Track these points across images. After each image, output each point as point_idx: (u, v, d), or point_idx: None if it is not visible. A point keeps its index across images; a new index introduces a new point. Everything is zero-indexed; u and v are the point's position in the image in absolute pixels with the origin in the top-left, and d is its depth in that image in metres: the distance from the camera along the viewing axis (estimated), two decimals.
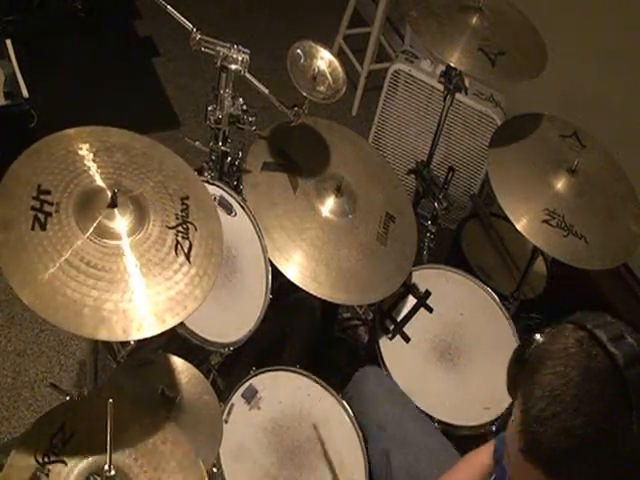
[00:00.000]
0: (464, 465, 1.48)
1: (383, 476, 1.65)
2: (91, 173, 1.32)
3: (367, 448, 1.68)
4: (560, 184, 1.84)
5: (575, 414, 0.91)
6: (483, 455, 1.43)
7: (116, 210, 1.27)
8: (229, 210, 1.78)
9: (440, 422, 1.78)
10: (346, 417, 1.72)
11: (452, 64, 1.85)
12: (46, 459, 1.20)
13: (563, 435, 0.91)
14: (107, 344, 1.81)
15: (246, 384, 1.68)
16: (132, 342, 1.68)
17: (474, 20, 1.91)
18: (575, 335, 0.96)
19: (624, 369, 0.91)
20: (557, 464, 0.93)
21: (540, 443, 0.93)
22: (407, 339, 1.92)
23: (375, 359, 1.88)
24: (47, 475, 1.18)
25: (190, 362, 1.58)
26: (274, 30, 3.47)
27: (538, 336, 1.00)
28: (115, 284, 1.21)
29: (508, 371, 1.04)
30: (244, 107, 1.82)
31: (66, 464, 1.21)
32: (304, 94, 1.73)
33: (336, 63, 1.80)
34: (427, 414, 1.78)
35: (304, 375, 1.75)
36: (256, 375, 1.71)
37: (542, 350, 0.98)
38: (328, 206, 1.87)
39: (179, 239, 1.31)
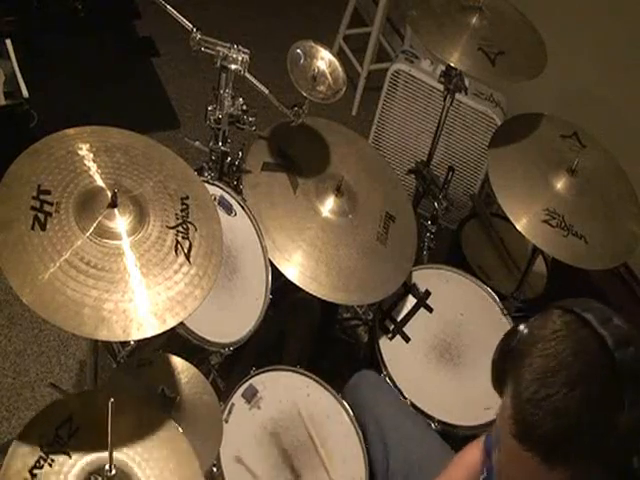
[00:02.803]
0: (456, 464, 1.48)
1: (382, 475, 1.65)
2: (91, 173, 1.32)
3: (367, 448, 1.68)
4: (560, 184, 1.84)
5: (568, 394, 0.91)
6: (474, 449, 1.43)
7: (116, 210, 1.27)
8: (229, 210, 1.78)
9: (440, 422, 1.78)
10: (346, 417, 1.72)
11: (452, 64, 1.85)
12: (50, 449, 1.20)
13: (557, 416, 0.91)
14: (107, 344, 1.81)
15: (246, 384, 1.68)
16: (132, 342, 1.69)
17: (474, 20, 1.91)
18: (563, 319, 0.97)
19: (614, 350, 0.92)
20: (553, 447, 0.93)
21: (535, 426, 0.93)
22: (407, 339, 1.92)
23: (375, 359, 1.88)
24: (50, 465, 1.19)
25: (190, 362, 1.58)
26: (274, 30, 3.47)
27: (522, 326, 1.01)
28: (115, 284, 1.21)
29: (494, 363, 1.03)
30: (244, 107, 1.82)
31: (70, 457, 1.21)
32: (304, 94, 1.73)
33: (336, 63, 1.80)
34: (427, 414, 1.78)
35: (304, 375, 1.75)
36: (256, 375, 1.70)
37: (530, 335, 0.98)
38: (328, 206, 1.87)
39: (179, 239, 1.31)
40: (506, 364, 1.00)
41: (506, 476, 1.07)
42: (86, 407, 1.28)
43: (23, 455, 1.19)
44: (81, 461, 1.21)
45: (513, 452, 0.98)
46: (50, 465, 1.19)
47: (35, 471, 1.17)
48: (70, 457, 1.21)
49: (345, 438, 1.69)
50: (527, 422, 0.94)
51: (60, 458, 1.20)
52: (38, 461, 1.18)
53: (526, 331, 0.99)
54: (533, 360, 0.95)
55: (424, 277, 2.02)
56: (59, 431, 1.22)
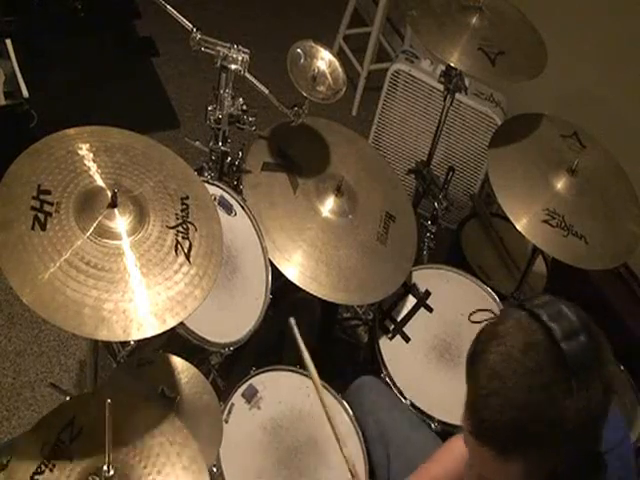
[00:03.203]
0: (445, 450, 1.49)
1: (384, 478, 1.65)
2: (91, 173, 1.32)
3: (369, 450, 1.68)
4: (560, 184, 1.84)
5: (514, 388, 0.94)
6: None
7: (116, 210, 1.27)
8: (229, 210, 1.78)
9: (440, 422, 1.78)
10: (346, 417, 1.72)
11: (452, 64, 1.85)
12: (52, 453, 1.20)
13: (505, 409, 0.94)
14: (107, 344, 1.81)
15: (246, 384, 1.68)
16: (132, 342, 1.69)
17: (474, 20, 1.91)
18: (516, 315, 1.00)
19: (562, 341, 0.94)
20: (504, 439, 0.95)
21: (485, 421, 0.96)
22: (407, 339, 1.92)
23: (375, 359, 1.88)
24: (51, 470, 1.19)
25: (190, 362, 1.58)
26: (274, 30, 3.47)
27: (487, 325, 1.04)
28: (115, 284, 1.21)
29: (466, 363, 1.05)
30: (244, 107, 1.82)
31: (71, 460, 1.21)
32: (304, 94, 1.73)
33: (336, 63, 1.81)
34: (427, 414, 1.78)
35: (304, 375, 1.75)
36: (256, 375, 1.70)
37: (487, 333, 1.01)
38: (328, 206, 1.87)
39: (179, 239, 1.31)
40: (468, 363, 1.03)
41: (475, 474, 1.08)
42: (87, 409, 1.28)
43: (24, 462, 1.19)
44: (81, 463, 1.21)
45: (473, 448, 1.01)
46: (51, 470, 1.19)
47: (36, 477, 1.18)
48: (71, 460, 1.21)
49: (345, 438, 1.69)
50: (478, 417, 0.97)
51: (61, 462, 1.20)
52: (39, 467, 1.19)
53: (485, 330, 1.02)
54: (486, 357, 0.98)
55: (424, 277, 2.02)
56: (61, 435, 1.23)
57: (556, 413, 0.93)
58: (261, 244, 1.78)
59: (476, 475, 1.08)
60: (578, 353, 0.94)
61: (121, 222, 1.27)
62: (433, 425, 1.78)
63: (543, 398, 0.93)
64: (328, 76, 1.79)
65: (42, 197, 1.24)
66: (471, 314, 1.97)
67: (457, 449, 1.44)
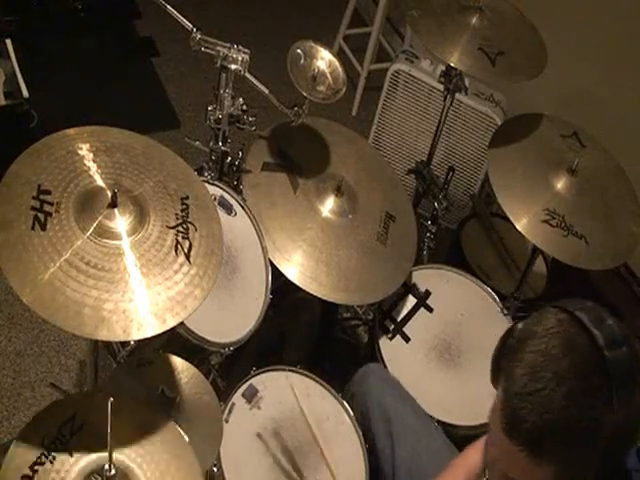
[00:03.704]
0: (456, 465, 1.48)
1: (387, 470, 1.65)
2: (91, 173, 1.32)
3: (368, 447, 1.68)
4: (560, 184, 1.84)
5: (555, 389, 0.92)
6: (473, 450, 1.43)
7: (116, 210, 1.27)
8: (229, 210, 1.78)
9: (440, 422, 1.78)
10: (346, 417, 1.72)
11: (452, 64, 1.85)
12: (52, 446, 1.20)
13: (544, 410, 0.92)
14: (107, 344, 1.81)
15: (246, 384, 1.68)
16: (132, 342, 1.69)
17: (474, 20, 1.91)
18: (557, 317, 0.98)
19: (605, 349, 0.92)
20: (539, 441, 0.94)
21: (522, 420, 0.94)
22: (407, 339, 1.92)
23: (375, 359, 1.88)
24: (51, 462, 1.19)
25: (190, 362, 1.58)
26: (274, 30, 3.47)
27: (520, 323, 1.02)
28: (115, 284, 1.21)
29: (492, 359, 1.04)
30: (244, 107, 1.82)
31: (71, 455, 1.21)
32: (304, 94, 1.73)
33: (336, 63, 1.80)
34: (427, 414, 1.78)
35: (304, 375, 1.75)
36: (256, 375, 1.71)
37: (525, 331, 0.99)
38: (328, 206, 1.87)
39: (179, 239, 1.31)
40: (501, 360, 1.01)
41: (499, 471, 1.07)
42: (89, 406, 1.28)
43: (25, 451, 1.19)
44: (82, 460, 1.21)
45: (503, 447, 0.99)
46: (51, 462, 1.19)
47: (36, 467, 1.18)
48: (71, 455, 1.21)
49: (346, 438, 1.69)
50: (515, 416, 0.95)
51: (61, 456, 1.20)
52: (39, 457, 1.19)
53: (521, 328, 1.01)
54: (524, 356, 0.96)
55: (424, 277, 2.02)
56: (62, 429, 1.23)
57: (595, 421, 0.91)
58: (261, 244, 1.78)
59: (499, 474, 1.07)
60: (621, 363, 0.92)
61: (121, 222, 1.27)
62: (433, 425, 1.78)
63: (582, 405, 0.91)
64: (328, 76, 1.79)
65: (42, 197, 1.24)
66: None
67: (471, 459, 1.43)
